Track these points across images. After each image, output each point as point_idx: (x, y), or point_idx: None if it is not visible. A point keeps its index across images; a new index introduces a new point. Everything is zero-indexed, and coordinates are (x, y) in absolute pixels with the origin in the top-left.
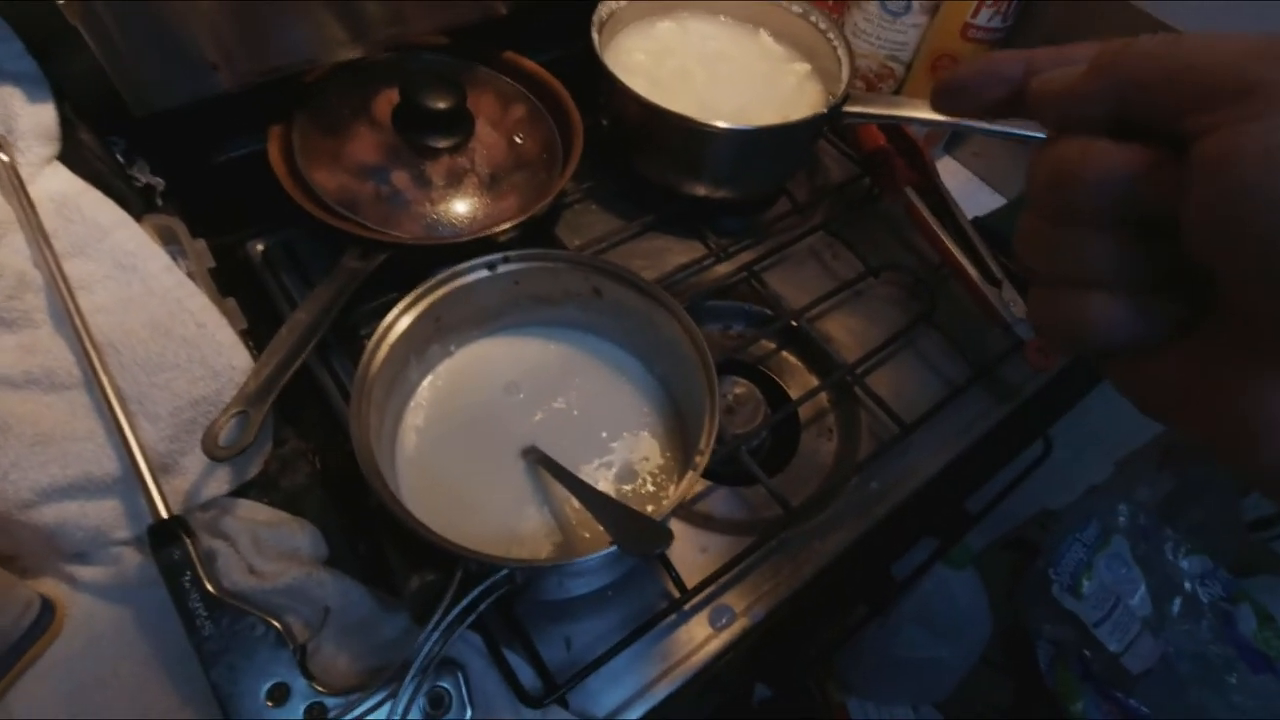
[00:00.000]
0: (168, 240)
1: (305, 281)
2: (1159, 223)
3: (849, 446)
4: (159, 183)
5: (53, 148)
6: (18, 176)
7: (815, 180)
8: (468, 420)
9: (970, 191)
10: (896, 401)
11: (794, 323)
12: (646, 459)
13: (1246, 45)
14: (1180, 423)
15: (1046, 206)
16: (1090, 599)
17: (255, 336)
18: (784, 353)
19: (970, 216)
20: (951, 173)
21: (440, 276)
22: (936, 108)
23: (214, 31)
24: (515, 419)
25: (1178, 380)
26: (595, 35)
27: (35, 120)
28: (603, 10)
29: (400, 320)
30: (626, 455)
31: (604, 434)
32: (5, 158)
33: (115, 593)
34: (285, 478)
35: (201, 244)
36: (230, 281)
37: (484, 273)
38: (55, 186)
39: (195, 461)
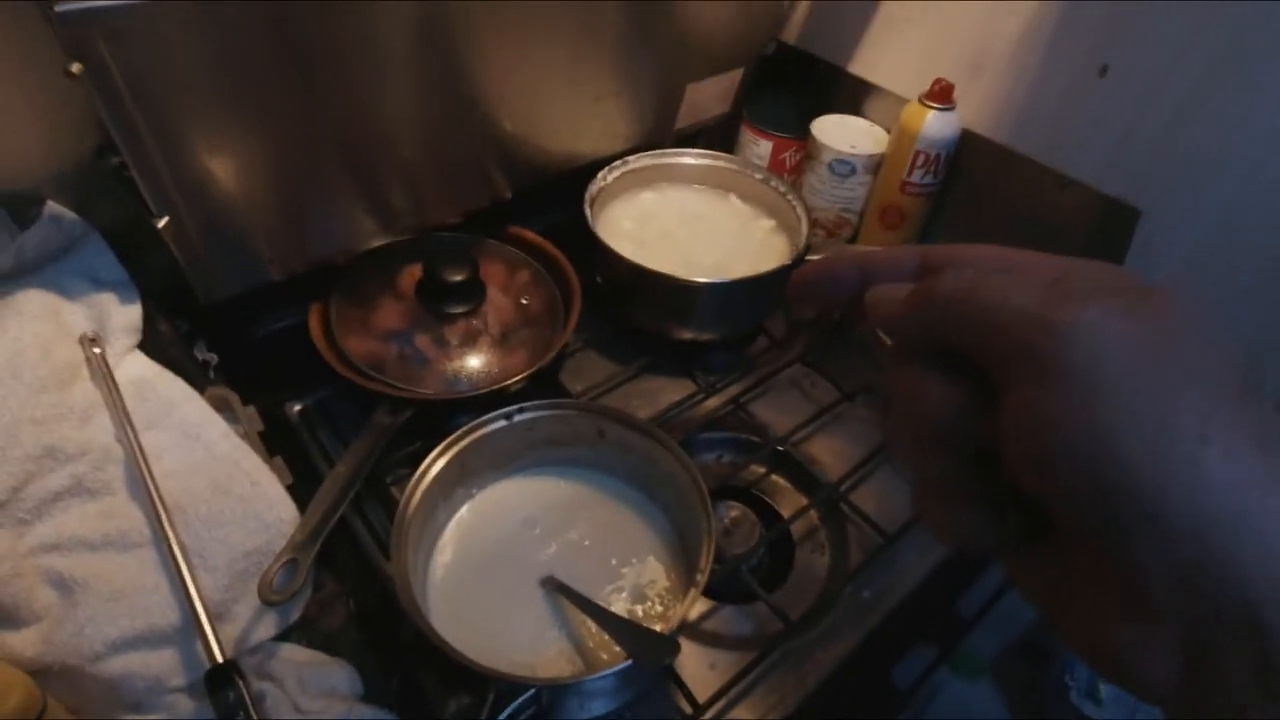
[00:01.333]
0: (222, 408)
1: (339, 438)
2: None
3: (840, 559)
4: (213, 358)
5: (136, 338)
6: (107, 365)
7: (790, 317)
8: (490, 555)
9: None
10: (880, 514)
11: (780, 448)
12: (654, 582)
13: (1034, 299)
14: (1055, 624)
15: (897, 425)
16: (1110, 705)
17: (293, 490)
18: (774, 476)
19: None
20: None
21: (464, 428)
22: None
23: (270, 234)
24: (533, 551)
25: (1048, 585)
26: (588, 210)
27: (125, 319)
28: (592, 189)
29: (431, 469)
30: (635, 579)
31: (614, 561)
32: (98, 350)
33: None
34: (323, 620)
35: (252, 410)
36: (271, 440)
37: (502, 423)
38: (136, 371)
39: (246, 608)
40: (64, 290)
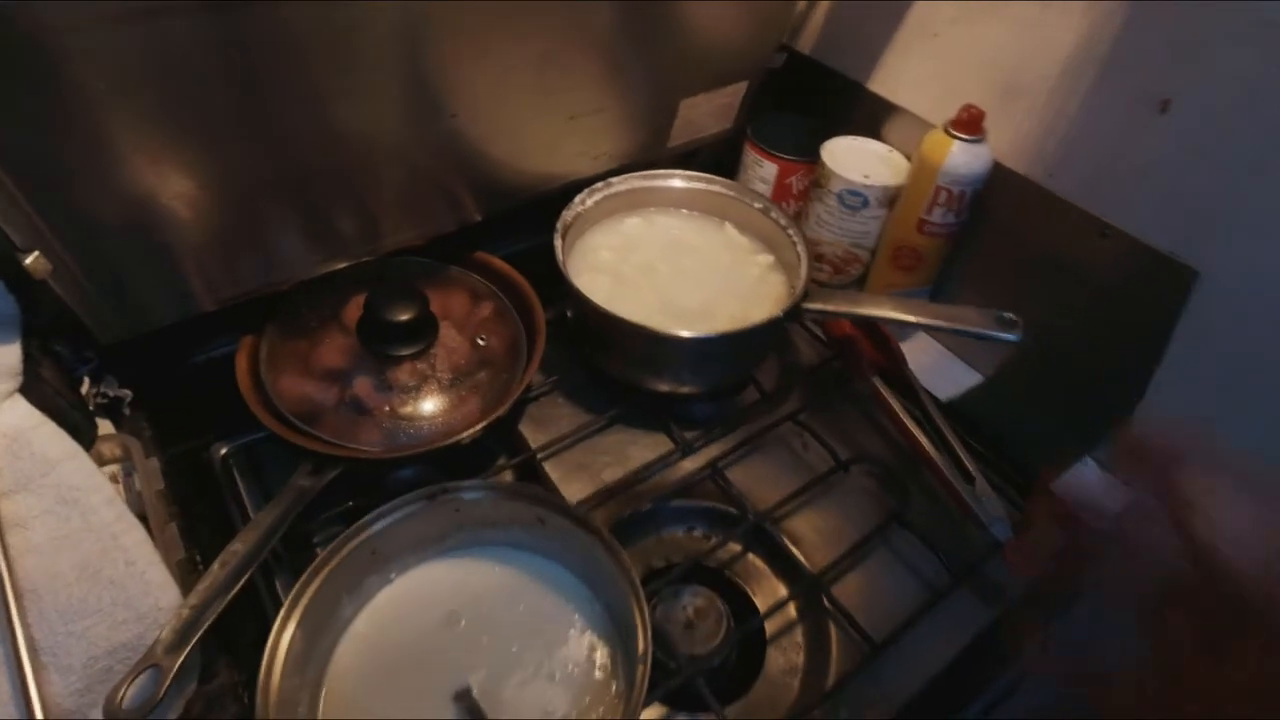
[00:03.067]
0: (124, 458)
1: (263, 492)
2: None
3: (817, 667)
4: (126, 395)
5: (13, 383)
6: None
7: (786, 360)
8: (402, 658)
9: (945, 368)
10: (868, 612)
11: (760, 524)
12: (591, 701)
13: None
14: None
15: None
16: None
17: (206, 550)
18: (751, 556)
19: (944, 397)
20: (925, 349)
21: (375, 513)
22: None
23: (188, 265)
24: (453, 654)
25: None
26: (558, 241)
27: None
28: (567, 215)
29: (309, 587)
30: (571, 696)
31: (546, 670)
32: None
33: None
34: (210, 718)
35: (154, 464)
36: (190, 490)
37: (423, 504)
38: (10, 421)
39: None
40: None
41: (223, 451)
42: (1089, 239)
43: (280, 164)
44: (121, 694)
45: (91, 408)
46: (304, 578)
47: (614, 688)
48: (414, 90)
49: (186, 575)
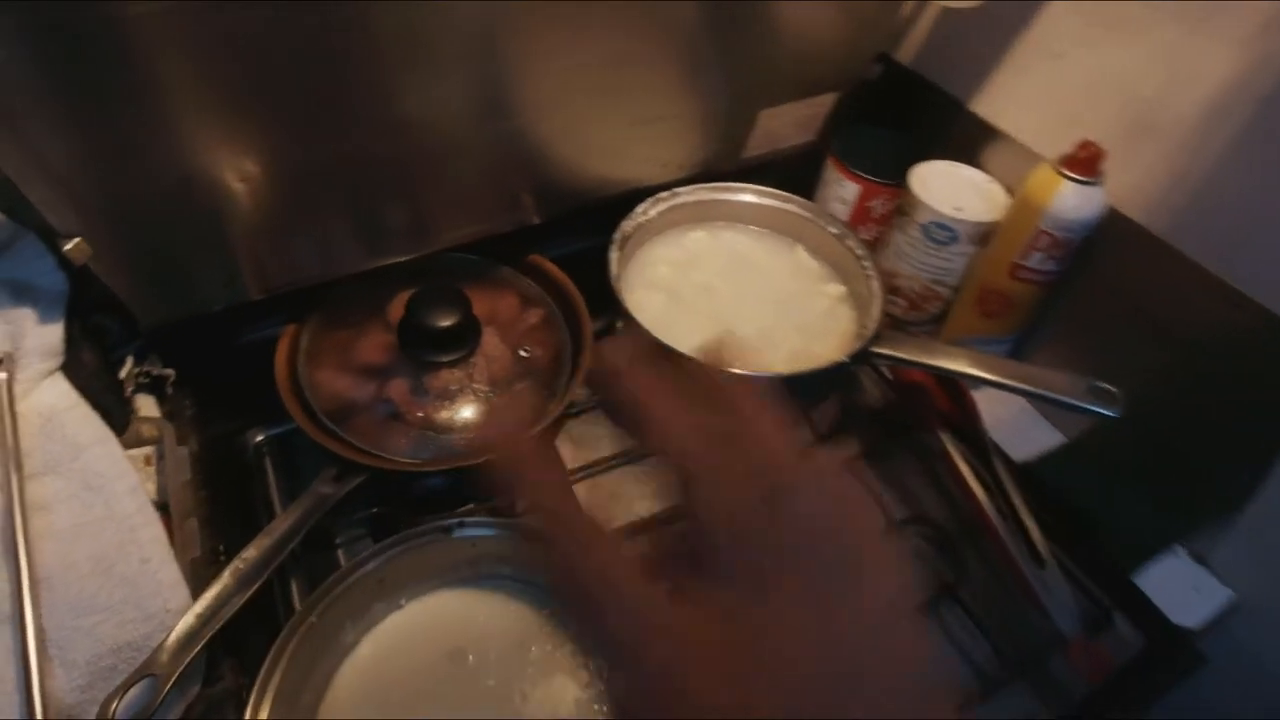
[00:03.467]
0: (157, 441)
1: (294, 481)
2: None
3: None
4: (169, 374)
5: (54, 362)
6: (10, 395)
7: (846, 399)
8: (401, 693)
9: (1023, 425)
10: None
11: None
12: None
13: None
14: None
15: None
16: None
17: (230, 541)
18: None
19: (1020, 458)
20: (1004, 402)
21: (384, 543)
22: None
23: (248, 254)
24: (456, 693)
25: None
26: (614, 254)
27: (41, 340)
28: (627, 226)
29: (289, 641)
30: None
31: None
32: (4, 375)
33: None
34: None
35: (183, 452)
36: (230, 472)
37: (438, 536)
38: (48, 400)
39: None
40: None
41: (258, 439)
42: (1213, 307)
43: (340, 157)
44: (115, 705)
45: (133, 388)
46: (290, 623)
47: None
48: (480, 87)
49: (206, 569)
